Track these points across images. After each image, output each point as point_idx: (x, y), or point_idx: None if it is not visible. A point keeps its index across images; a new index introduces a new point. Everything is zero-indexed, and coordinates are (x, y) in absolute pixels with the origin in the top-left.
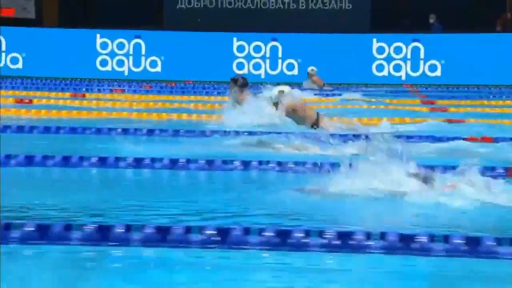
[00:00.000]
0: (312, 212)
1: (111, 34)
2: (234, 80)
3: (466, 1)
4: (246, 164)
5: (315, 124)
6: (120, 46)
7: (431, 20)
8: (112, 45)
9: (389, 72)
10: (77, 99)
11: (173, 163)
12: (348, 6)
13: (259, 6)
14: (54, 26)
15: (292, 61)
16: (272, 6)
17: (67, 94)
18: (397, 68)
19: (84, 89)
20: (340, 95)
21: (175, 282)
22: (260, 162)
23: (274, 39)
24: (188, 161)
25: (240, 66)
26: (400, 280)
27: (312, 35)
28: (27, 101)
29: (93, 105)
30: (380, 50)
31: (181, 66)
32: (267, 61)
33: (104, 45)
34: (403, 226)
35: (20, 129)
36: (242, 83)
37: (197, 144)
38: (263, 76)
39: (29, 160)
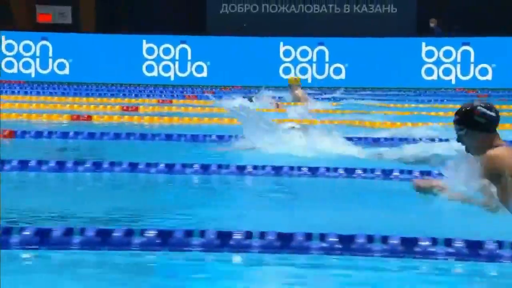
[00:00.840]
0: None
1: (157, 39)
2: None
3: None
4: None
5: None
6: (166, 51)
7: (432, 25)
8: (158, 50)
9: (438, 76)
10: (166, 105)
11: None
12: (394, 10)
13: (302, 11)
14: (91, 32)
15: (339, 65)
16: (316, 10)
17: (154, 101)
18: (447, 72)
19: (163, 96)
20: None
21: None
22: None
23: (321, 44)
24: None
25: (287, 70)
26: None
27: (359, 39)
28: (133, 108)
29: (183, 111)
30: (429, 54)
31: (227, 71)
32: (314, 65)
33: (150, 51)
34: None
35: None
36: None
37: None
38: (310, 81)
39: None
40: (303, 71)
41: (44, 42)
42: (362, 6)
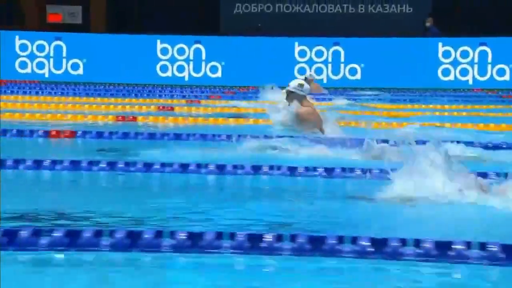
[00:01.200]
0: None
1: (172, 39)
2: None
3: None
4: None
5: (321, 130)
6: (181, 51)
7: (428, 24)
8: (172, 50)
9: (455, 77)
10: (193, 105)
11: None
12: (409, 10)
13: (317, 10)
14: (101, 32)
15: (355, 65)
16: (331, 10)
17: (183, 101)
18: (464, 72)
19: (186, 96)
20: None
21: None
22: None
23: (336, 44)
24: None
25: (302, 71)
26: None
27: (375, 39)
28: (169, 108)
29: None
30: (446, 54)
31: (241, 71)
32: (329, 65)
33: (164, 51)
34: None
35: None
36: None
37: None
38: (325, 81)
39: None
40: (318, 71)
41: (58, 42)
42: (377, 6)
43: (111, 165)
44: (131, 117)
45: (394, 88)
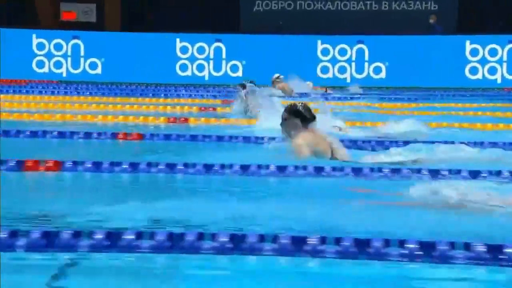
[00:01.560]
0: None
1: (192, 38)
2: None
3: None
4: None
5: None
6: (201, 50)
7: (431, 21)
8: (192, 49)
9: (483, 75)
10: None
11: None
12: (434, 7)
13: (339, 8)
14: (116, 30)
15: (379, 64)
16: (353, 7)
17: (218, 101)
18: (492, 71)
19: (218, 95)
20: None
21: None
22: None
23: (360, 42)
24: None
25: (325, 69)
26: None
27: (400, 37)
28: (211, 109)
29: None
30: (474, 53)
31: (263, 70)
32: (353, 64)
33: (184, 50)
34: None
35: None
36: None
37: None
38: (348, 80)
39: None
40: (342, 70)
41: (76, 41)
42: (401, 3)
43: (207, 167)
44: (183, 119)
45: (420, 87)
